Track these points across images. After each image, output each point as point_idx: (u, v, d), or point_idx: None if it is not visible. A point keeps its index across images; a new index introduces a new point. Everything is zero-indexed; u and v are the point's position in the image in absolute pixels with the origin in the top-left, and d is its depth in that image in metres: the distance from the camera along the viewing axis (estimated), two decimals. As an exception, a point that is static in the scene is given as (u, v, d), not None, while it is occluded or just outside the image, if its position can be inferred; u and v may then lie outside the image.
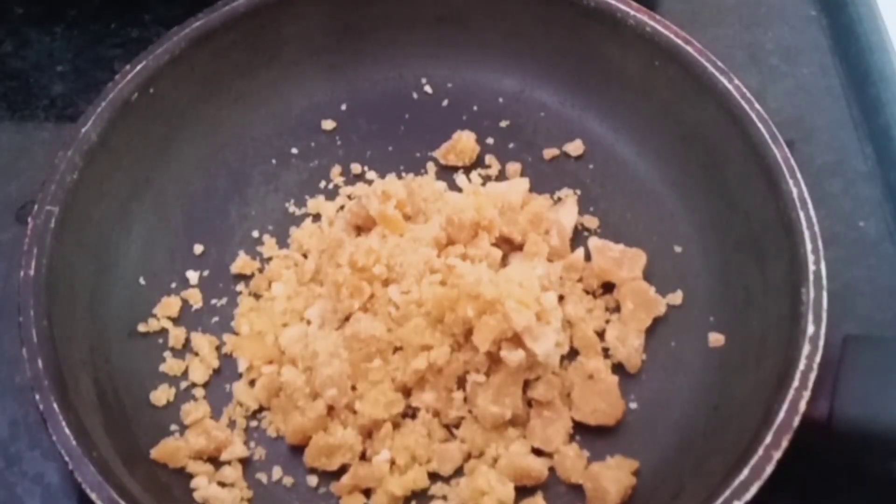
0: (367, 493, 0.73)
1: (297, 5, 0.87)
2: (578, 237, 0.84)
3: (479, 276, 0.72)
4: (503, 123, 0.90)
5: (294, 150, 0.89)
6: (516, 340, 0.72)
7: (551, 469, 0.74)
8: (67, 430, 0.67)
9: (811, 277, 0.71)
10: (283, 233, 0.85)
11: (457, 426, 0.75)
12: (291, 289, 0.81)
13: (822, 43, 0.98)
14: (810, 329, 0.69)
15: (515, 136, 0.89)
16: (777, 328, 0.72)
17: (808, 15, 1.00)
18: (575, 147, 0.88)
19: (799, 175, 0.75)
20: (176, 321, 0.81)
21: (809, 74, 0.96)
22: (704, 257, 0.82)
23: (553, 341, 0.73)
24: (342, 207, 0.85)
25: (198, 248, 0.84)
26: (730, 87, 0.79)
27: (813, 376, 0.67)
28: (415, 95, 0.91)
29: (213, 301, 0.82)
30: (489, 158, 0.88)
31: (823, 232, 0.73)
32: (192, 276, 0.83)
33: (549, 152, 0.88)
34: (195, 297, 0.82)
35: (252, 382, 0.78)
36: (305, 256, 0.83)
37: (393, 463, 0.74)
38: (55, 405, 0.67)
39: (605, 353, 0.78)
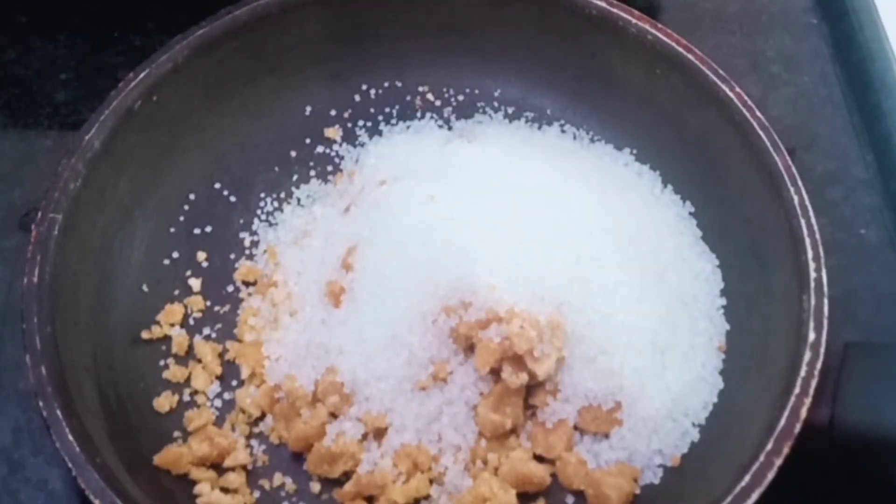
0: (370, 499, 0.73)
1: (299, 14, 0.87)
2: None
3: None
4: (505, 131, 0.90)
5: (297, 158, 0.89)
6: (517, 360, 0.72)
7: (553, 475, 0.74)
8: (71, 437, 0.67)
9: (812, 284, 0.71)
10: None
11: (459, 433, 0.76)
12: (294, 296, 0.81)
13: (824, 51, 0.98)
14: (811, 336, 0.69)
15: (517, 143, 0.90)
16: (778, 335, 0.72)
17: (809, 23, 1.00)
18: (576, 154, 0.88)
19: (800, 182, 0.75)
20: (179, 328, 0.81)
21: (810, 82, 0.96)
22: (706, 264, 0.82)
23: (554, 360, 0.73)
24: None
25: (200, 255, 0.84)
26: (731, 94, 0.79)
27: (814, 383, 0.67)
28: (417, 103, 0.92)
29: (216, 308, 0.82)
30: (491, 166, 0.88)
31: (824, 239, 0.73)
32: (195, 283, 0.83)
33: (550, 160, 0.88)
34: (198, 304, 0.82)
35: (254, 389, 0.78)
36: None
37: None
38: (58, 412, 0.67)
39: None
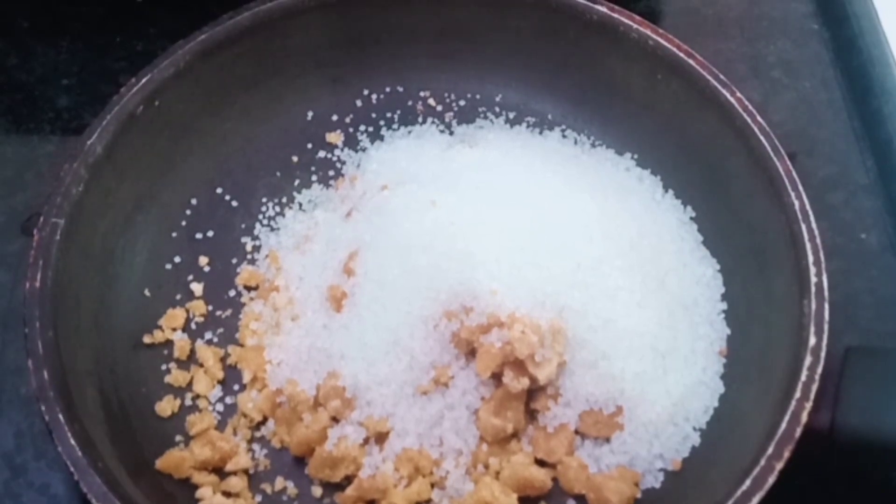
0: (372, 503, 0.74)
1: (301, 19, 0.87)
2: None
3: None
4: (506, 136, 0.90)
5: (298, 163, 0.90)
6: (519, 365, 0.73)
7: (554, 480, 0.74)
8: (73, 441, 0.67)
9: (813, 289, 0.71)
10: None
11: (460, 437, 0.76)
12: (296, 300, 0.81)
13: (824, 56, 0.98)
14: (812, 340, 0.69)
15: (518, 148, 0.90)
16: (779, 339, 0.72)
17: (809, 28, 1.00)
18: (577, 159, 0.88)
19: (801, 187, 0.75)
20: (181, 332, 0.81)
21: (811, 87, 0.96)
22: (707, 269, 0.82)
23: (555, 365, 0.73)
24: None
25: (203, 260, 0.84)
26: (732, 100, 0.79)
27: (815, 387, 0.67)
28: (419, 108, 0.92)
29: (218, 312, 0.82)
30: (492, 170, 0.88)
31: (825, 244, 0.73)
32: (197, 287, 0.83)
33: (551, 164, 0.88)
34: (200, 309, 0.82)
35: (256, 394, 0.78)
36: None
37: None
38: (60, 416, 0.68)
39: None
